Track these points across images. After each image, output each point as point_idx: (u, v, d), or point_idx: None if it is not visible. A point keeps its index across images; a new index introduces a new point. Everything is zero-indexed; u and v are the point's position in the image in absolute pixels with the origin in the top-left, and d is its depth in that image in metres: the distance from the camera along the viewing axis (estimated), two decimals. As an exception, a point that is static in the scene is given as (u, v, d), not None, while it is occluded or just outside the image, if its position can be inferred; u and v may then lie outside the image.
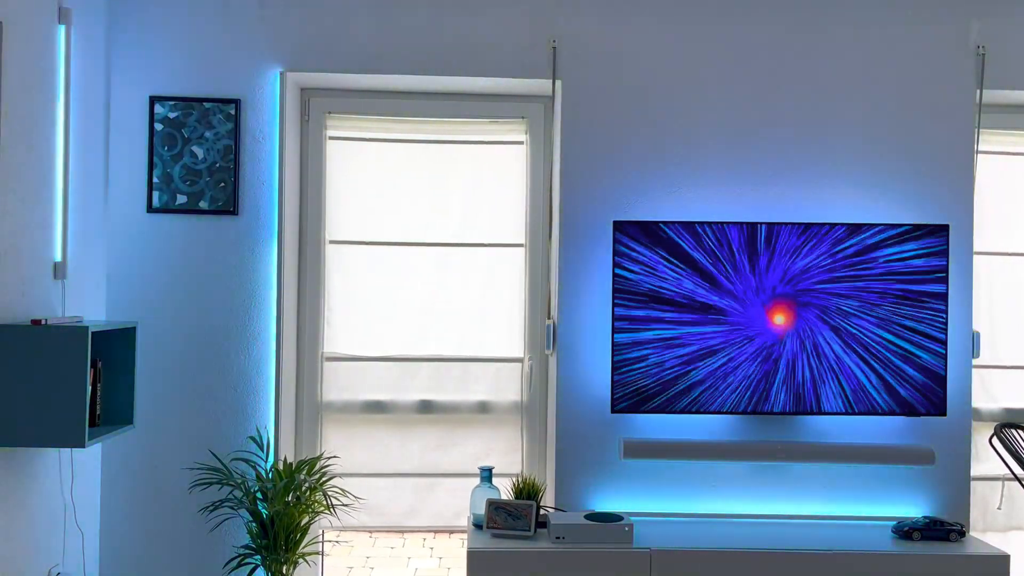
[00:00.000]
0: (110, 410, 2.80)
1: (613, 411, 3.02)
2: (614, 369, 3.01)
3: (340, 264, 3.33)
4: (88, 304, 2.98)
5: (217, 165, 3.13)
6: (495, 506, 2.88)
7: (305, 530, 2.98)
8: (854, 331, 3.03)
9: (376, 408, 3.32)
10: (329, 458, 3.17)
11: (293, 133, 3.23)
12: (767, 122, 3.16)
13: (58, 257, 2.74)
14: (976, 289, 3.25)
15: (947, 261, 3.03)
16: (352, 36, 3.14)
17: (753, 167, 3.16)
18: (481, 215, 3.35)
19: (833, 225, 3.03)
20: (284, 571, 2.93)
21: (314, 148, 3.31)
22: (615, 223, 3.02)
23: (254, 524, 2.94)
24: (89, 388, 2.52)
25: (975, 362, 3.19)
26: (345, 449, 3.29)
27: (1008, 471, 3.14)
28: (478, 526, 2.95)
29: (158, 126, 3.12)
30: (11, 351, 2.44)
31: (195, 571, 3.11)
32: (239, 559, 2.98)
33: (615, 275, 3.01)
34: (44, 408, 2.46)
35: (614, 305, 3.01)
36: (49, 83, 2.69)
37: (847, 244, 3.02)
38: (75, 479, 2.86)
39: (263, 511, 2.93)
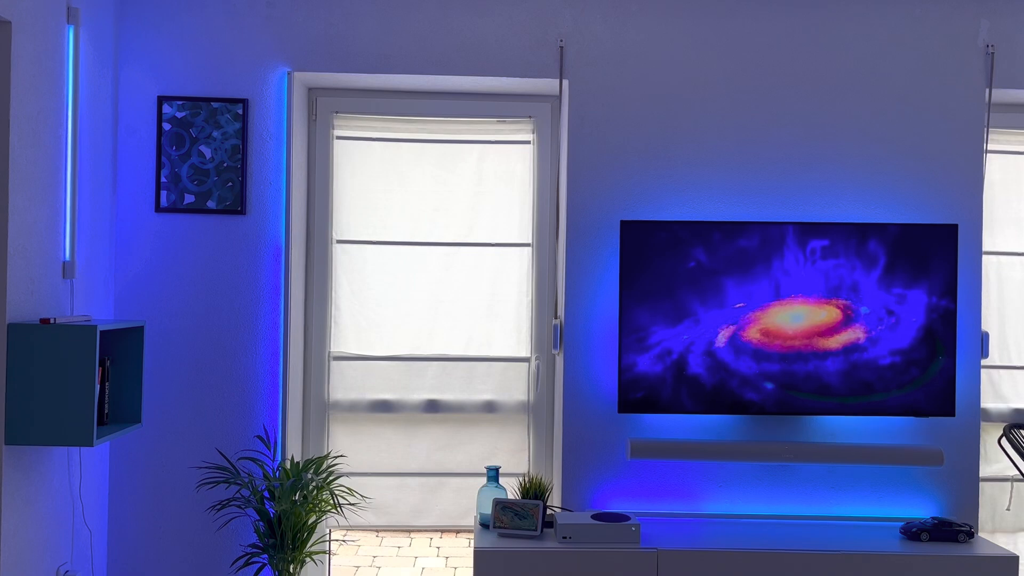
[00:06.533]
0: (118, 409, 2.82)
1: (620, 411, 3.02)
2: (621, 369, 3.00)
3: (347, 263, 3.33)
4: (96, 303, 2.99)
5: (225, 165, 3.13)
6: (502, 505, 2.88)
7: (312, 529, 2.98)
8: (868, 334, 3.02)
9: (383, 407, 3.33)
10: (336, 457, 3.17)
11: (300, 133, 3.24)
12: (775, 121, 3.16)
13: (67, 256, 2.75)
14: (985, 289, 3.24)
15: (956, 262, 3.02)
16: (359, 36, 3.15)
17: (761, 166, 3.15)
18: (488, 214, 3.35)
19: (840, 225, 3.02)
20: (291, 570, 2.94)
21: (321, 148, 3.31)
22: (622, 222, 3.01)
23: (261, 523, 2.95)
24: (97, 387, 2.53)
25: (984, 362, 3.18)
26: (352, 448, 3.30)
27: (1017, 472, 3.13)
28: (485, 525, 2.95)
29: (166, 126, 3.13)
30: (20, 350, 2.45)
31: (202, 569, 3.12)
32: (246, 558, 2.99)
33: (622, 275, 3.01)
34: (53, 407, 2.47)
35: (621, 305, 3.01)
36: (58, 83, 2.70)
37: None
38: (83, 477, 2.87)
39: (270, 510, 2.93)
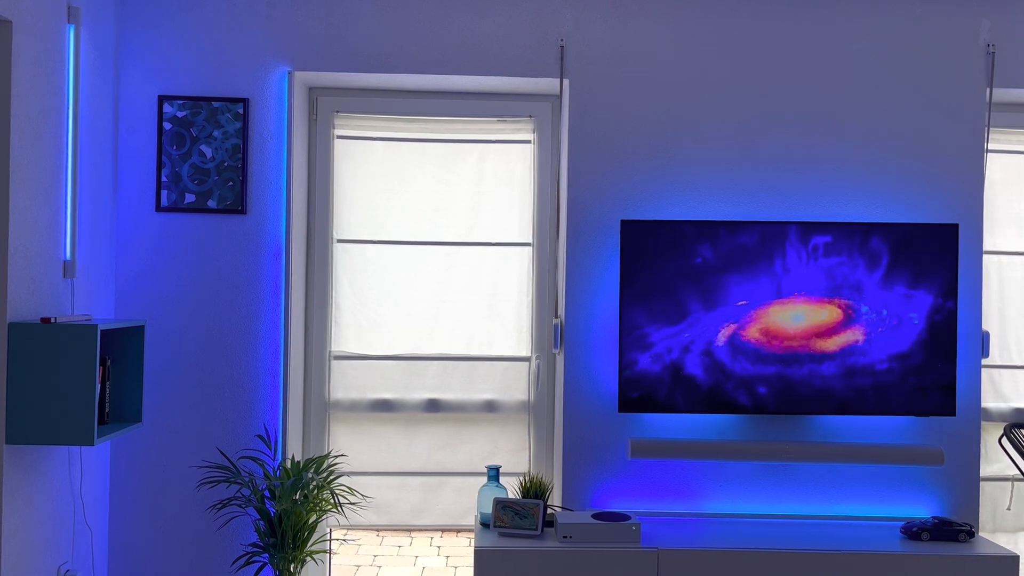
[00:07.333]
0: (119, 408, 2.82)
1: (620, 410, 3.02)
2: (621, 368, 3.00)
3: (348, 263, 3.33)
4: (97, 302, 2.99)
5: (225, 164, 3.14)
6: (502, 505, 2.89)
7: (312, 528, 2.98)
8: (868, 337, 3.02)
9: (383, 407, 3.33)
10: (336, 457, 3.17)
11: (301, 132, 3.24)
12: (775, 121, 3.16)
13: (67, 256, 2.76)
14: (985, 289, 3.24)
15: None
16: (360, 35, 3.15)
17: (761, 166, 3.15)
18: (488, 214, 3.35)
19: (841, 224, 3.02)
20: (292, 569, 2.94)
21: (322, 147, 3.31)
22: (623, 222, 3.01)
23: (262, 522, 2.95)
24: (98, 386, 2.53)
25: (984, 362, 3.17)
26: (352, 448, 3.30)
27: (1018, 471, 3.13)
28: (485, 525, 2.95)
29: (167, 125, 3.13)
30: (21, 349, 2.45)
31: (203, 569, 3.12)
32: (247, 557, 2.99)
33: (622, 274, 3.01)
34: (53, 406, 2.47)
35: (621, 304, 3.01)
36: (58, 83, 2.70)
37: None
38: (84, 477, 2.87)
39: (271, 509, 2.94)
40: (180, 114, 3.13)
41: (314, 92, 3.30)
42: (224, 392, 3.13)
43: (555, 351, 3.23)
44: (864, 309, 3.01)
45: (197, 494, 3.06)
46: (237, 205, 3.14)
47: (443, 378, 3.32)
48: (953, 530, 2.90)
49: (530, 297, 3.33)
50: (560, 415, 3.18)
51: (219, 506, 2.99)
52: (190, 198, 3.13)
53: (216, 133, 3.13)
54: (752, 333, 3.01)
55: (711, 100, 3.15)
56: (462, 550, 4.80)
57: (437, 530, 4.94)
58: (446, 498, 3.33)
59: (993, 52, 3.17)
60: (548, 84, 3.20)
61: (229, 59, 3.14)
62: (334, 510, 3.01)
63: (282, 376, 3.13)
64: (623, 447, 3.10)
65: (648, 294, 3.01)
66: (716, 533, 2.95)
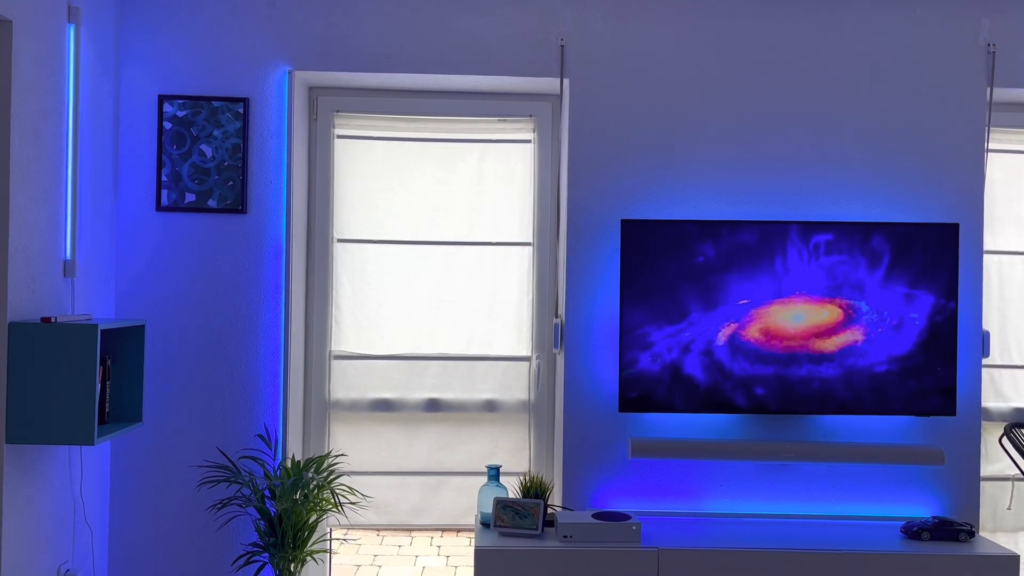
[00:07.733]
0: (119, 407, 2.82)
1: (621, 410, 3.02)
2: (622, 368, 3.00)
3: (348, 262, 3.33)
4: (97, 302, 2.99)
5: (225, 164, 3.14)
6: (502, 504, 2.89)
7: (313, 528, 2.98)
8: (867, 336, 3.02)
9: (384, 406, 3.33)
10: (337, 456, 3.17)
11: (301, 132, 3.24)
12: (776, 121, 3.16)
13: (68, 255, 2.76)
14: (986, 288, 3.24)
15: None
16: (360, 35, 3.15)
17: (761, 166, 3.15)
18: (489, 213, 3.35)
19: (841, 224, 3.02)
20: (292, 569, 2.94)
21: (322, 147, 3.31)
22: (623, 222, 3.02)
23: (262, 522, 2.95)
24: (98, 386, 2.53)
25: (985, 361, 3.17)
26: (352, 447, 3.30)
27: (1018, 471, 3.13)
28: (485, 524, 2.95)
29: (167, 125, 3.13)
30: (21, 349, 2.45)
31: (203, 568, 3.12)
32: (247, 556, 2.99)
33: (623, 274, 3.01)
34: (54, 405, 2.47)
35: (622, 304, 3.01)
36: (58, 82, 2.70)
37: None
38: (84, 476, 2.87)
39: (271, 509, 2.94)
40: (180, 114, 3.13)
41: (314, 92, 3.30)
42: (224, 392, 3.13)
43: (555, 351, 3.23)
44: (865, 308, 3.01)
45: (197, 494, 3.06)
46: (237, 205, 3.14)
47: (443, 378, 3.33)
48: (953, 530, 2.90)
49: (530, 297, 3.33)
50: (560, 415, 3.18)
51: (219, 506, 2.99)
52: (190, 198, 3.13)
53: (216, 133, 3.13)
54: (752, 333, 3.01)
55: (712, 100, 3.15)
56: (462, 550, 4.80)
57: (437, 530, 4.94)
58: (446, 498, 3.33)
59: (993, 52, 3.17)
60: (548, 84, 3.20)
61: (229, 59, 3.14)
62: (334, 510, 3.02)
63: (282, 376, 3.13)
64: (623, 447, 3.10)
65: (648, 293, 3.00)
66: (716, 533, 2.95)
